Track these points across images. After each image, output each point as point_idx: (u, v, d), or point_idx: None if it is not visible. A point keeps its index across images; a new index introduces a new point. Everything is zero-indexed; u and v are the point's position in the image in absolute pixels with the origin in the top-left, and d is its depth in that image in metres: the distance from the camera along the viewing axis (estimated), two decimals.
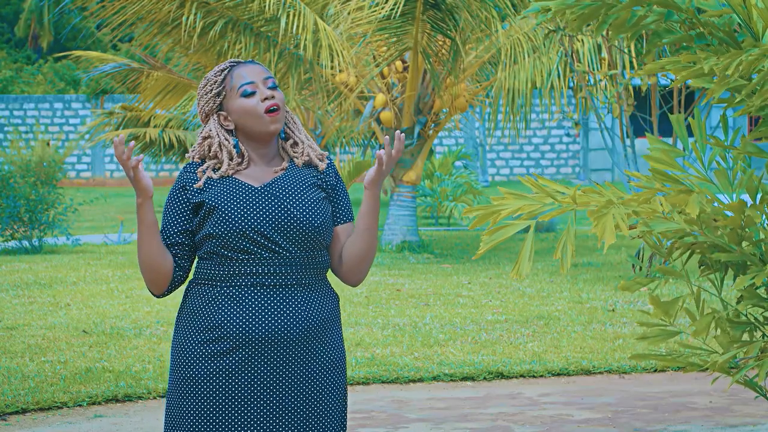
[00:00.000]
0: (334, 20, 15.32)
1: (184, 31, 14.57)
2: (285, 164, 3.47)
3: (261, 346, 3.35)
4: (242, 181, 3.42)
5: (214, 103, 3.47)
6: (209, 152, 3.45)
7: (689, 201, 3.69)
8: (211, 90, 3.47)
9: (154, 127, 25.55)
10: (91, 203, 19.36)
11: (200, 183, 3.41)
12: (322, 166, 3.49)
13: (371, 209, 3.45)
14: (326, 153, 3.53)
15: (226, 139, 3.45)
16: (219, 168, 3.44)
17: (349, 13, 14.88)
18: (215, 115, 3.47)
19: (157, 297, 3.48)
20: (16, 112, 36.38)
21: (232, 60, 3.51)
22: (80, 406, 6.99)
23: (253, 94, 3.44)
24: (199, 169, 3.44)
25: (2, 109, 36.37)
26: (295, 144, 3.52)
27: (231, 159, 3.44)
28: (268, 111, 3.43)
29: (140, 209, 3.37)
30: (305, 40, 14.52)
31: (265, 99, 3.43)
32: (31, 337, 9.12)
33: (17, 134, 29.44)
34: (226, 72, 3.47)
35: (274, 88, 3.46)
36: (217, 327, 3.35)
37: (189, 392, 3.37)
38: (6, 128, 35.79)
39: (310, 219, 3.40)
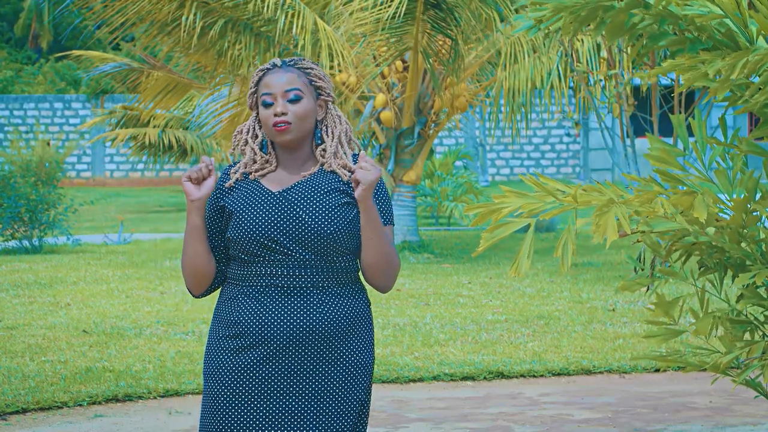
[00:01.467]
0: (334, 21, 15.31)
1: (184, 31, 14.57)
2: (314, 168, 3.50)
3: (277, 346, 3.40)
4: (263, 186, 3.49)
5: (253, 101, 3.55)
6: (239, 147, 3.55)
7: (695, 204, 3.67)
8: (250, 89, 3.55)
9: (154, 127, 25.57)
10: (92, 204, 19.37)
11: (231, 182, 3.51)
12: (344, 176, 3.48)
13: (367, 222, 3.44)
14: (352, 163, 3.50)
15: (254, 137, 3.53)
16: (248, 167, 3.51)
17: (351, 14, 14.87)
18: (255, 111, 3.56)
19: (195, 297, 3.61)
20: (16, 112, 36.38)
21: (274, 60, 3.54)
22: (80, 405, 7.00)
23: (270, 105, 3.48)
24: (232, 170, 3.53)
25: (2, 109, 36.37)
26: (326, 150, 3.53)
27: (255, 155, 3.50)
28: (276, 126, 3.46)
29: (187, 212, 3.49)
30: (304, 40, 14.52)
31: (275, 115, 3.46)
32: (31, 336, 9.12)
33: (17, 134, 29.41)
34: (261, 75, 3.53)
35: (295, 100, 3.47)
36: (236, 324, 3.44)
37: (213, 384, 3.44)
38: (6, 128, 35.79)
39: (322, 225, 3.41)
